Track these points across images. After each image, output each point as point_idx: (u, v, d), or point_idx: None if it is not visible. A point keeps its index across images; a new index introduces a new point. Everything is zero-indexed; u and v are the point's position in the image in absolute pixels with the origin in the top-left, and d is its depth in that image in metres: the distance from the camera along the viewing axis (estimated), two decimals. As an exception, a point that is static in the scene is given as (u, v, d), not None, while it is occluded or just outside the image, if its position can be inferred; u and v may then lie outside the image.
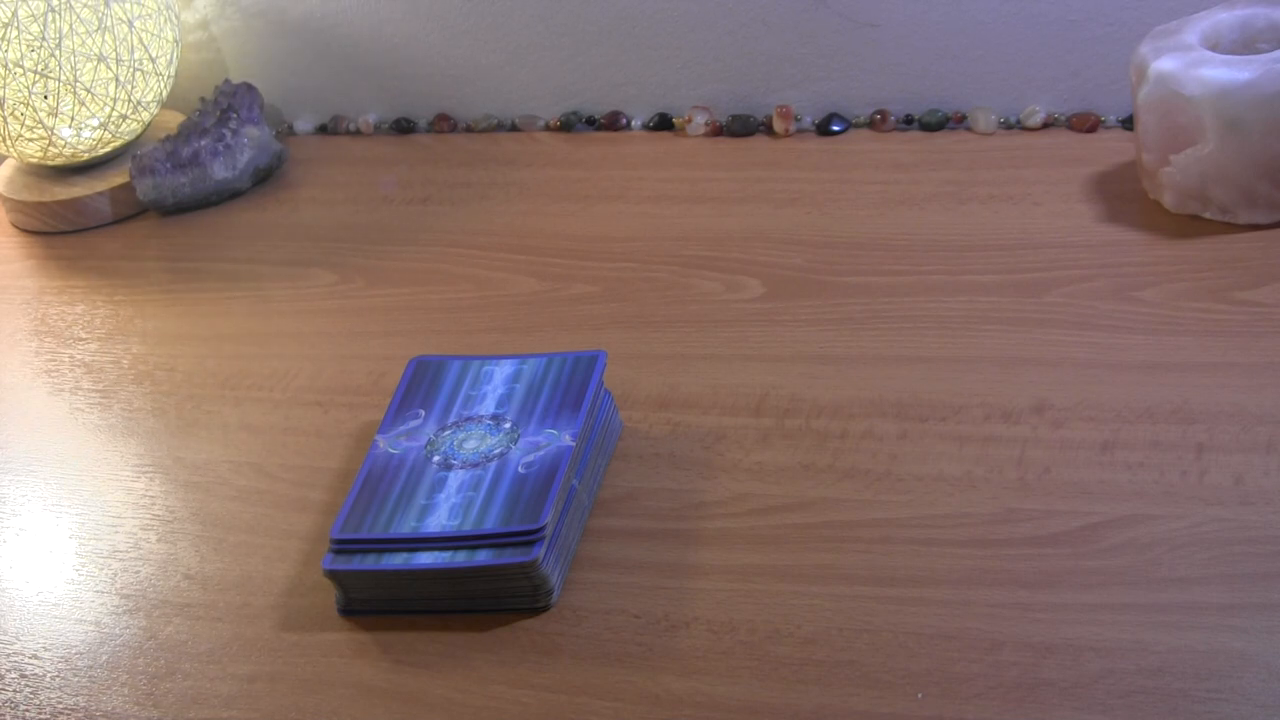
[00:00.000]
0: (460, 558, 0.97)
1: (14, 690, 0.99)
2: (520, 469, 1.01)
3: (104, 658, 1.00)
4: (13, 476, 1.17)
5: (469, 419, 1.06)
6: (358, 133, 1.53)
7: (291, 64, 1.54)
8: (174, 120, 1.54)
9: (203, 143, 1.44)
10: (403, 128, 1.52)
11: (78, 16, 1.39)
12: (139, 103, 1.45)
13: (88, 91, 1.41)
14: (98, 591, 1.05)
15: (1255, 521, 0.94)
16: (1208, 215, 1.18)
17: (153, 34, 1.43)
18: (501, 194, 1.39)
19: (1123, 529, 0.95)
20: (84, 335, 1.31)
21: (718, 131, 1.42)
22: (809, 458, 1.04)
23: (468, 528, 0.98)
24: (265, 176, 1.48)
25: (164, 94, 1.47)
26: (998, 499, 0.98)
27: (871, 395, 1.08)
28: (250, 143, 1.46)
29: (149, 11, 1.43)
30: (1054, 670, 0.87)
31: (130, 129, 1.46)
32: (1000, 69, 1.34)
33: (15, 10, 1.37)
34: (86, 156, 1.46)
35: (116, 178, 1.46)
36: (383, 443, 1.06)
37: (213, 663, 0.98)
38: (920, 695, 0.87)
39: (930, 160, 1.32)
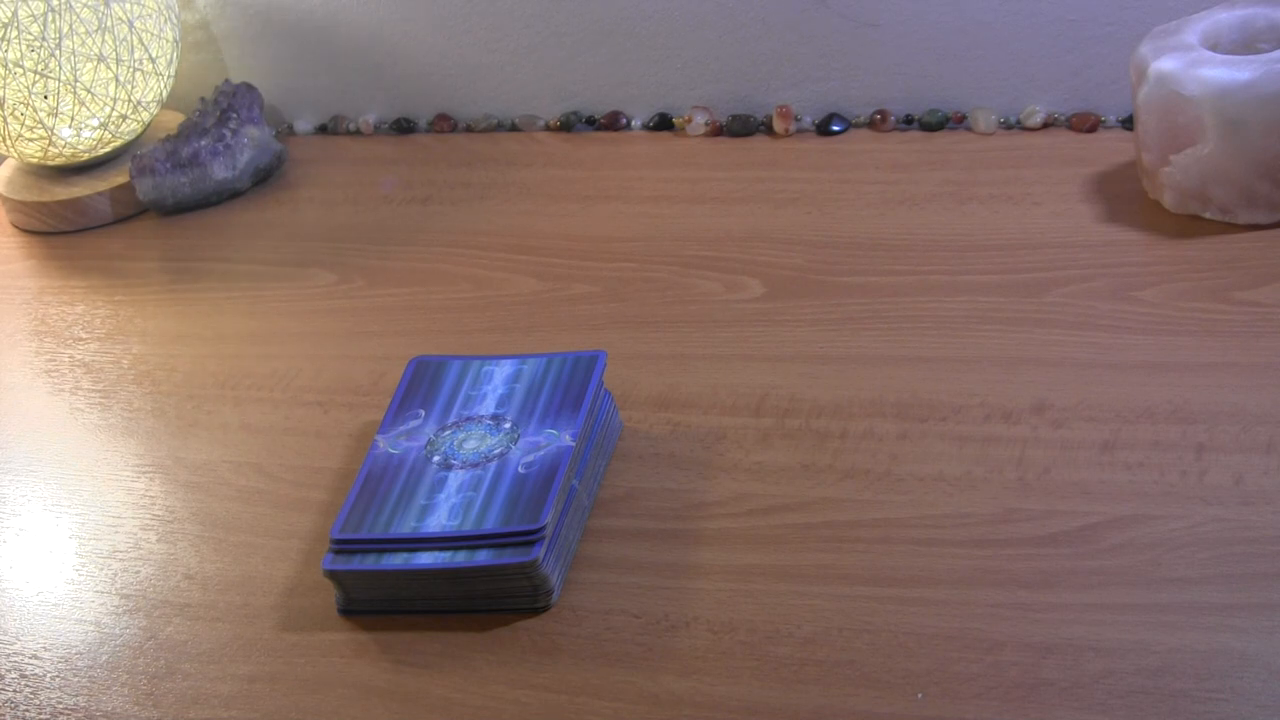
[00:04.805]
0: (460, 558, 0.97)
1: (14, 690, 0.99)
2: (520, 469, 1.01)
3: (104, 658, 1.00)
4: (13, 476, 1.17)
5: (469, 419, 1.06)
6: (358, 133, 1.53)
7: (291, 64, 1.54)
8: (174, 120, 1.54)
9: (203, 143, 1.44)
10: (403, 128, 1.52)
11: (78, 16, 1.39)
12: (139, 103, 1.45)
13: (88, 91, 1.41)
14: (98, 591, 1.05)
15: (1255, 521, 0.94)
16: (1208, 215, 1.18)
17: (153, 34, 1.43)
18: (501, 194, 1.39)
19: (1123, 529, 0.95)
20: (84, 335, 1.31)
21: (718, 131, 1.42)
22: (809, 458, 1.04)
23: (468, 528, 0.98)
24: (265, 176, 1.48)
25: (164, 94, 1.47)
26: (998, 499, 0.98)
27: (871, 395, 1.08)
28: (250, 143, 1.46)
29: (149, 11, 1.43)
30: (1054, 670, 0.87)
31: (130, 129, 1.46)
32: (1000, 69, 1.34)
33: (15, 10, 1.37)
34: (86, 156, 1.46)
35: (116, 178, 1.46)
36: (383, 443, 1.06)
37: (213, 663, 0.98)
38: (920, 695, 0.87)
39: (930, 160, 1.32)
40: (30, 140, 1.43)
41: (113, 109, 1.43)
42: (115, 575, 1.06)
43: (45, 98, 1.40)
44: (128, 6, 1.41)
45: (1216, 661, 0.86)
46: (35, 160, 1.47)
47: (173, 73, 1.47)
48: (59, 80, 1.39)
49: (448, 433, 1.06)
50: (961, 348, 1.11)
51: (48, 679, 0.99)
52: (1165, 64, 1.15)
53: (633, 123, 1.45)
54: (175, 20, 1.47)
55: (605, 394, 1.08)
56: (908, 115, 1.37)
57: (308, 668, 0.97)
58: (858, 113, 1.39)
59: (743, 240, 1.27)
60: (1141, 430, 1.01)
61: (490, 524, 0.98)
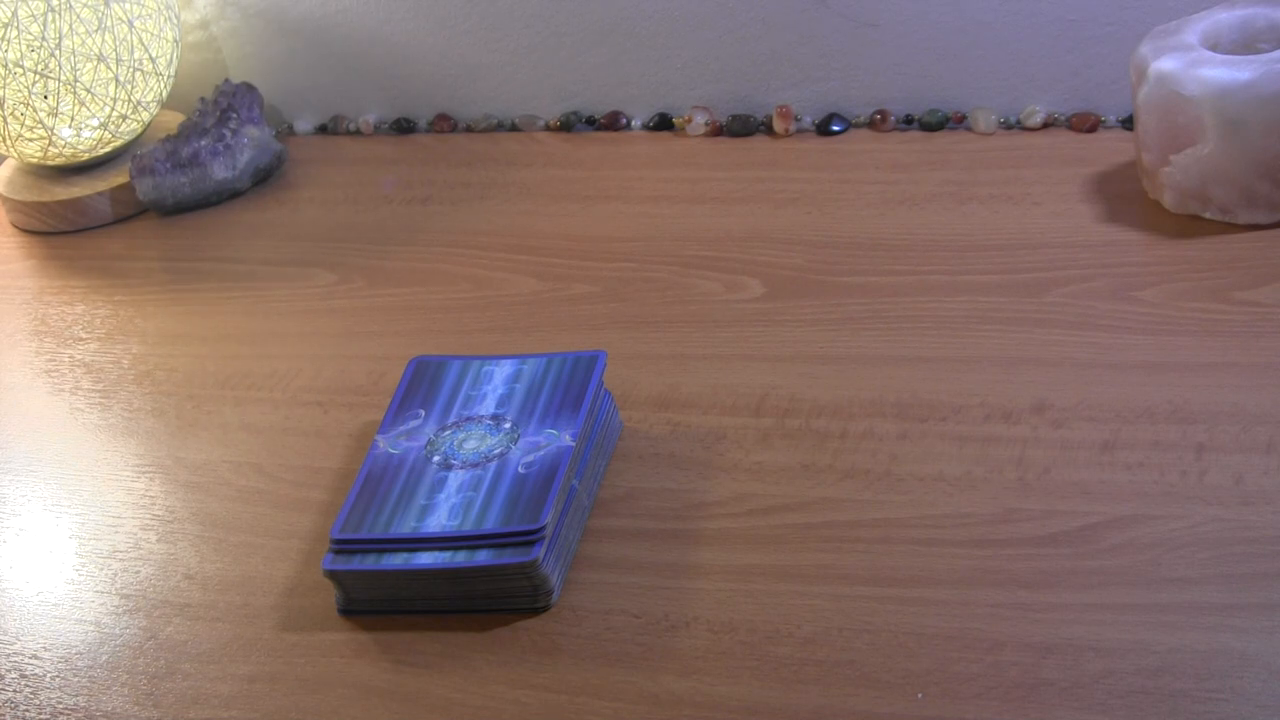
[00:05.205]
0: (460, 558, 0.97)
1: (14, 690, 0.99)
2: (520, 469, 1.01)
3: (104, 658, 1.00)
4: (13, 476, 1.17)
5: (469, 419, 1.06)
6: (358, 133, 1.53)
7: (291, 64, 1.54)
8: (174, 120, 1.54)
9: (203, 143, 1.44)
10: (403, 128, 1.52)
11: (78, 16, 1.39)
12: (139, 103, 1.45)
13: (88, 91, 1.41)
14: (98, 591, 1.05)
15: (1255, 521, 0.94)
16: (1208, 215, 1.18)
17: (153, 34, 1.43)
18: (501, 194, 1.39)
19: (1123, 529, 0.95)
20: (84, 335, 1.31)
21: (718, 131, 1.42)
22: (809, 458, 1.04)
23: (468, 528, 0.98)
24: (265, 176, 1.48)
25: (164, 94, 1.47)
26: (998, 499, 0.98)
27: (871, 395, 1.08)
28: (250, 143, 1.46)
29: (149, 11, 1.43)
30: (1054, 670, 0.87)
31: (130, 129, 1.46)
32: (1000, 69, 1.34)
33: (15, 10, 1.37)
34: (86, 156, 1.46)
35: (116, 178, 1.46)
36: (383, 443, 1.06)
37: (213, 663, 0.98)
38: (920, 695, 0.87)
39: (930, 160, 1.32)
40: (30, 140, 1.43)
41: (113, 109, 1.43)
42: (115, 575, 1.06)
43: (45, 98, 1.40)
44: (128, 6, 1.41)
45: (1216, 661, 0.86)
46: (35, 160, 1.47)
47: (173, 73, 1.47)
48: (59, 80, 1.39)
49: (448, 433, 1.06)
50: (961, 348, 1.11)
51: (48, 679, 0.99)
52: (1165, 64, 1.15)
53: (633, 123, 1.45)
54: (175, 20, 1.47)
55: (605, 394, 1.08)
56: (908, 115, 1.37)
57: (308, 668, 0.97)
58: (858, 113, 1.39)
59: (743, 240, 1.27)
60: (1141, 430, 1.01)
61: (490, 524, 0.98)
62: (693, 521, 1.01)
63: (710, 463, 1.05)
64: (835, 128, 1.38)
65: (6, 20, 1.37)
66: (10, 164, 1.52)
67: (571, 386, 1.07)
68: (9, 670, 1.00)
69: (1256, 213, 1.16)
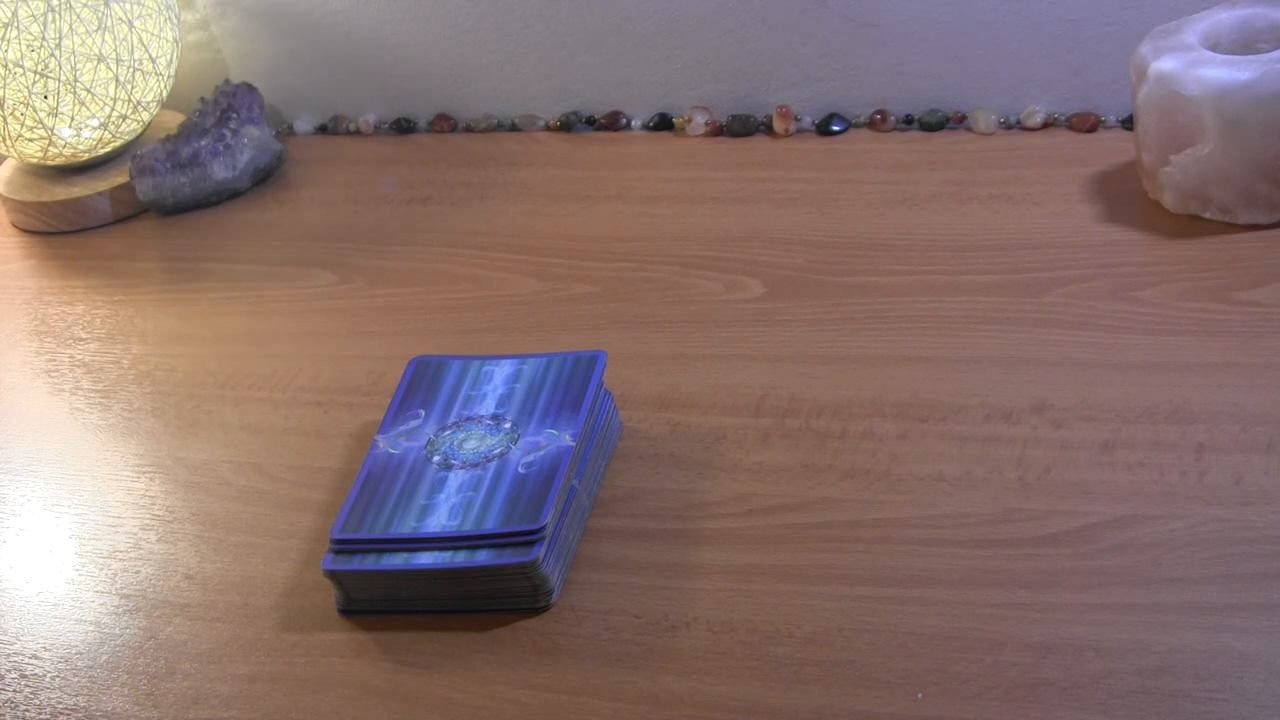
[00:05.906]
0: (460, 558, 0.97)
1: (14, 690, 0.99)
2: (520, 469, 1.01)
3: (104, 658, 1.00)
4: (13, 476, 1.17)
5: (469, 419, 1.06)
6: (358, 133, 1.53)
7: (291, 64, 1.54)
8: (174, 120, 1.54)
9: (203, 143, 1.44)
10: (403, 128, 1.52)
11: (78, 16, 1.39)
12: (139, 103, 1.45)
13: (88, 91, 1.41)
14: (98, 591, 1.05)
15: (1255, 521, 0.94)
16: (1208, 215, 1.18)
17: (153, 34, 1.43)
18: (501, 194, 1.39)
19: (1123, 529, 0.95)
20: (84, 335, 1.31)
21: (718, 131, 1.42)
22: (809, 458, 1.04)
23: (468, 528, 0.98)
24: (265, 176, 1.48)
25: (164, 94, 1.47)
26: (998, 499, 0.98)
27: (871, 395, 1.08)
28: (250, 143, 1.46)
29: (149, 11, 1.43)
30: (1054, 670, 0.87)
31: (130, 129, 1.46)
32: (1000, 69, 1.34)
33: (15, 10, 1.37)
34: (86, 156, 1.46)
35: (116, 178, 1.46)
36: (383, 443, 1.06)
37: (213, 663, 0.98)
38: (920, 695, 0.87)
39: (930, 160, 1.32)
40: (30, 140, 1.43)
41: (113, 109, 1.43)
42: (115, 575, 1.06)
43: (45, 98, 1.40)
44: (128, 6, 1.41)
45: (1216, 661, 0.86)
46: (35, 160, 1.47)
47: (173, 73, 1.47)
48: (59, 80, 1.39)
49: (448, 433, 1.06)
50: (961, 348, 1.11)
51: (48, 679, 1.00)
52: (1165, 64, 1.15)
53: (633, 123, 1.45)
54: (175, 20, 1.47)
55: (605, 394, 1.08)
56: (908, 115, 1.37)
57: (308, 668, 0.97)
58: (858, 113, 1.39)
59: (743, 240, 1.27)
60: (1141, 430, 1.01)
61: (490, 524, 0.98)
62: (693, 521, 1.01)
63: (710, 463, 1.05)
64: (835, 128, 1.38)
65: (6, 20, 1.37)
66: (10, 164, 1.52)
67: (571, 386, 1.07)
68: (9, 670, 1.01)
69: (1256, 213, 1.16)
